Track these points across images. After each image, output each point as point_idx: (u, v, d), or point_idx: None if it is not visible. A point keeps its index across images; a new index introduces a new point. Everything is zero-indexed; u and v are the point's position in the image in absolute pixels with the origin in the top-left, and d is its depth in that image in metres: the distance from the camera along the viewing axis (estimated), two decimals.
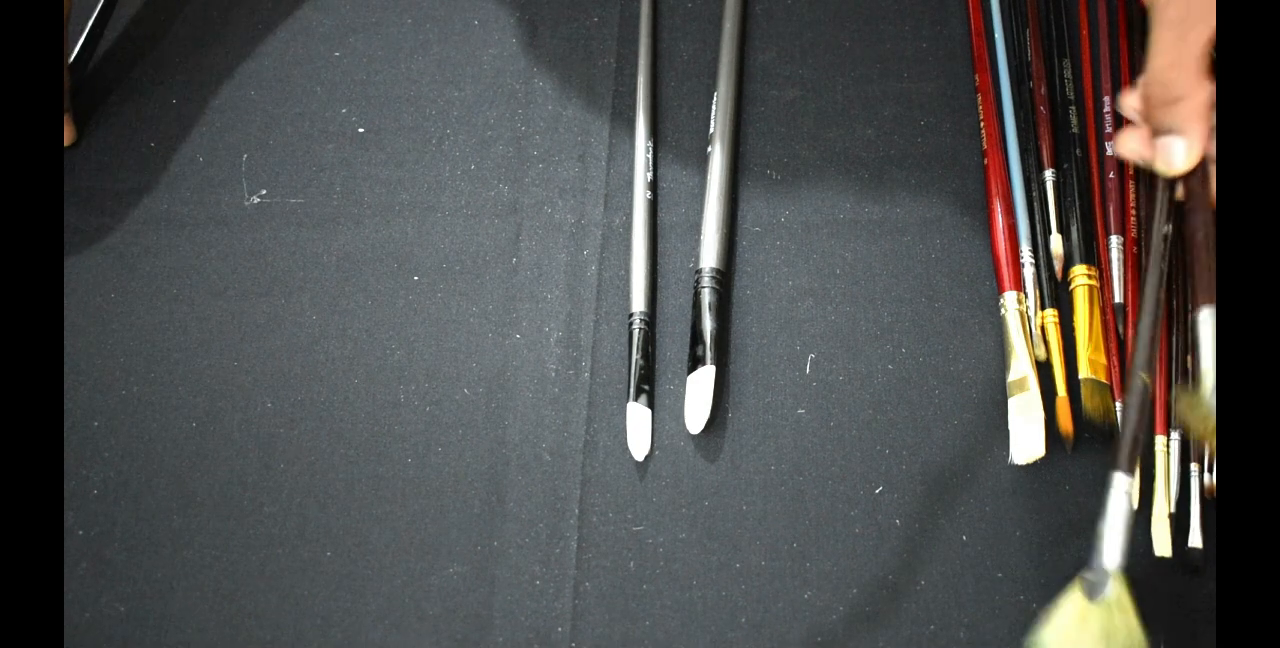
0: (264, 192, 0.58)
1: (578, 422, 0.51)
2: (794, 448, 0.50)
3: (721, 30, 0.60)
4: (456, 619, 0.47)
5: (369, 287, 0.55)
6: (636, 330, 0.52)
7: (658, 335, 0.53)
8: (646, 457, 0.50)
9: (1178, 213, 0.46)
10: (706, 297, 0.52)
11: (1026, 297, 0.51)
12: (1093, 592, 0.40)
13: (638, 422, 0.50)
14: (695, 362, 0.51)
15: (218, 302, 0.55)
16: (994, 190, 0.54)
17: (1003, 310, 0.51)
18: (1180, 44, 0.43)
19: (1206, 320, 0.41)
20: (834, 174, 0.56)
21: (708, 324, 0.51)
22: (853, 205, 0.55)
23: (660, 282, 0.54)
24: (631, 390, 0.51)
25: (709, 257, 0.53)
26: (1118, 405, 0.49)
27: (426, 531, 0.49)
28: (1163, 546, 0.46)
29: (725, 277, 0.53)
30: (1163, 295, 0.44)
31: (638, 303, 0.53)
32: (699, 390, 0.50)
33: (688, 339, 0.52)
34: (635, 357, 0.51)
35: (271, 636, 0.47)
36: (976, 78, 0.57)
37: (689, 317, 0.53)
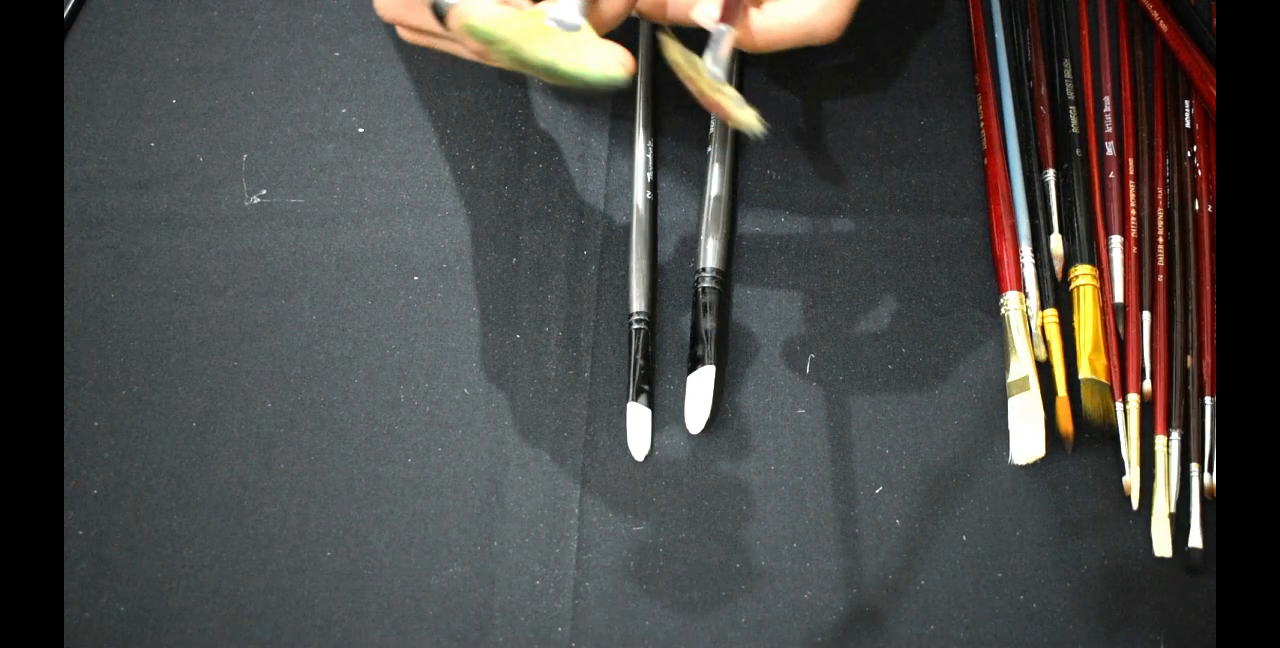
0: (264, 191, 0.57)
1: (578, 422, 0.51)
2: (794, 448, 0.50)
3: None
4: (456, 619, 0.47)
5: (369, 287, 0.55)
6: (636, 330, 0.52)
7: (658, 335, 0.53)
8: (646, 457, 0.50)
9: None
10: (706, 297, 0.52)
11: (1027, 297, 0.51)
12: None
13: (638, 422, 0.50)
14: (695, 362, 0.51)
15: (218, 302, 0.55)
16: (994, 190, 0.54)
17: (1003, 310, 0.51)
18: None
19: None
20: (834, 174, 0.56)
21: (708, 324, 0.51)
22: (853, 206, 0.55)
23: (660, 282, 0.54)
24: (631, 390, 0.51)
25: (709, 257, 0.53)
26: (1118, 405, 0.49)
27: (426, 531, 0.49)
28: (1163, 546, 0.47)
29: (725, 277, 0.53)
30: None
31: (638, 303, 0.52)
32: (699, 390, 0.50)
33: (688, 339, 0.52)
34: (635, 357, 0.51)
35: (271, 636, 0.47)
36: (976, 78, 0.57)
37: (689, 317, 0.53)
